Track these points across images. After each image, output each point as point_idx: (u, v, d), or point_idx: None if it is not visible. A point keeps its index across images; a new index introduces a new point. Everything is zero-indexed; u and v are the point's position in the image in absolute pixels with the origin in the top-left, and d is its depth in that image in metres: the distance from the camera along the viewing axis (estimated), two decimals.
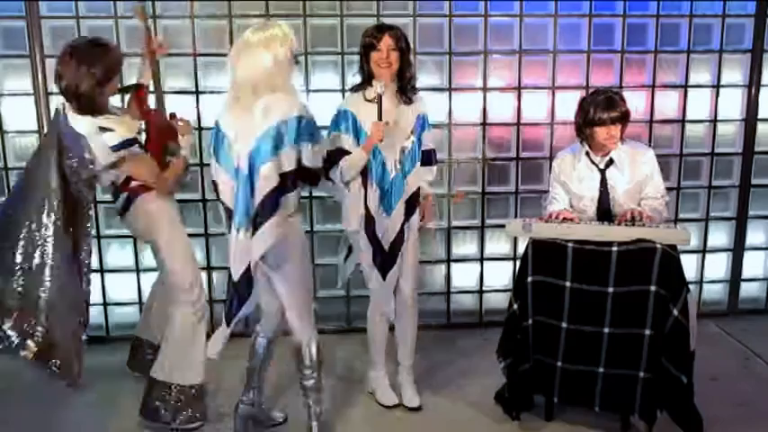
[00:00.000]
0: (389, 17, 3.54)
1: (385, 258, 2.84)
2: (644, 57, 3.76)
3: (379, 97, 2.66)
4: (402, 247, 2.87)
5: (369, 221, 2.81)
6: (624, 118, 2.74)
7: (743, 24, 3.79)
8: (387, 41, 2.72)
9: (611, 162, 2.81)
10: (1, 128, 3.55)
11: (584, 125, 2.78)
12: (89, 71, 2.48)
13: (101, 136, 2.53)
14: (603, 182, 2.82)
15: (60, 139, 2.50)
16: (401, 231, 2.85)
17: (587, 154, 2.84)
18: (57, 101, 3.48)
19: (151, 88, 2.94)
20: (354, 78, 2.88)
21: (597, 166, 2.83)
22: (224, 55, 3.50)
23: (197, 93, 3.57)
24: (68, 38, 3.41)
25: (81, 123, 2.54)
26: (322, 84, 3.63)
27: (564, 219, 2.73)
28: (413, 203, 2.87)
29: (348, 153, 2.75)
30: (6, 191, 3.57)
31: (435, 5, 3.60)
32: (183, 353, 2.76)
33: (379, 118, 2.67)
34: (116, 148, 2.55)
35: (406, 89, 2.82)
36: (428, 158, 2.93)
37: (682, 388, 2.58)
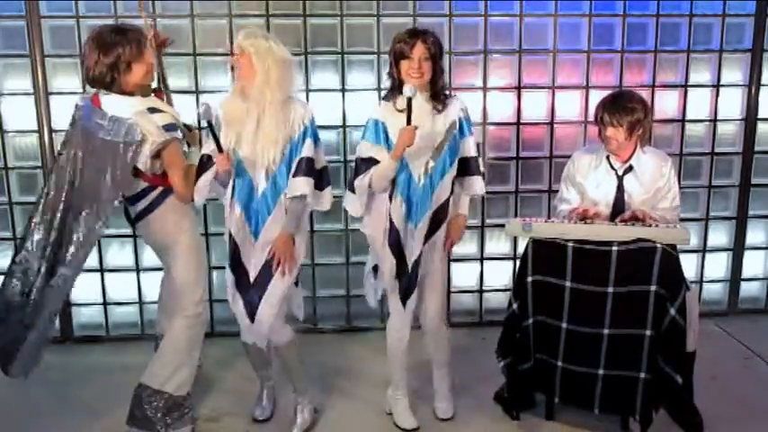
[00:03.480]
0: (389, 17, 3.55)
1: (407, 280, 2.70)
2: (644, 56, 3.76)
3: (409, 101, 2.49)
4: (424, 268, 2.72)
5: (392, 233, 2.67)
6: (627, 126, 2.65)
7: (743, 24, 3.79)
8: (419, 50, 2.54)
9: (629, 169, 2.77)
10: (1, 128, 3.55)
11: (595, 121, 2.76)
12: (104, 58, 2.48)
13: (152, 116, 2.53)
14: (620, 188, 2.78)
15: (87, 137, 2.54)
16: (423, 248, 2.69)
17: (608, 158, 2.79)
18: (57, 101, 3.52)
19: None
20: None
21: (616, 171, 2.79)
22: (224, 55, 3.52)
23: (197, 92, 3.57)
24: (68, 38, 3.46)
25: (124, 105, 2.53)
26: (322, 84, 3.63)
27: (585, 217, 2.70)
28: (439, 219, 2.70)
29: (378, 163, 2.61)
30: (6, 191, 3.58)
31: (435, 5, 3.60)
32: (179, 363, 2.72)
33: (408, 122, 2.50)
34: (167, 128, 2.54)
35: (438, 97, 2.64)
36: (465, 168, 2.71)
37: (677, 388, 2.57)
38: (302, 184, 2.58)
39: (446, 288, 2.87)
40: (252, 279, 2.67)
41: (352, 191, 2.69)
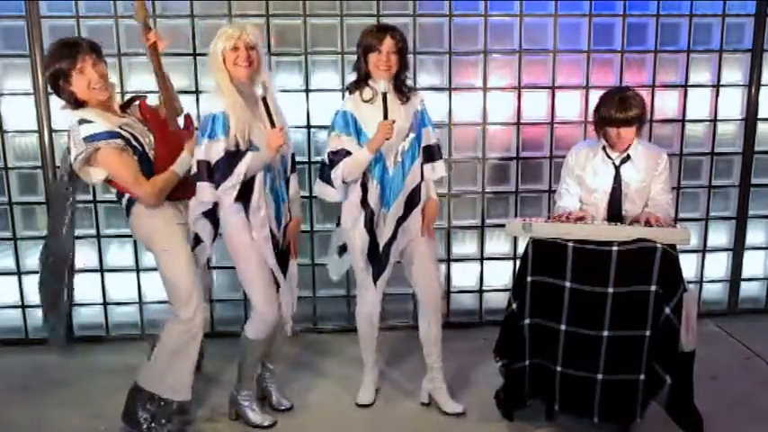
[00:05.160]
0: (389, 17, 3.55)
1: (379, 260, 2.82)
2: (644, 56, 3.76)
3: (384, 96, 2.64)
4: (394, 247, 2.82)
5: (367, 215, 2.79)
6: (636, 121, 2.71)
7: (743, 24, 3.79)
8: (388, 44, 2.68)
9: (627, 158, 2.81)
10: (1, 128, 3.55)
11: (598, 122, 2.78)
12: (45, 69, 2.57)
13: (79, 128, 2.53)
14: (617, 177, 2.81)
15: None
16: (395, 231, 2.81)
17: (604, 149, 2.83)
18: (57, 101, 3.51)
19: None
20: (350, 77, 2.86)
21: (613, 161, 2.82)
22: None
23: (197, 92, 3.57)
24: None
25: (67, 117, 2.61)
26: (322, 83, 3.63)
27: (576, 219, 2.70)
28: (412, 204, 2.83)
29: (350, 154, 2.73)
30: (7, 191, 3.58)
31: (435, 5, 3.60)
32: (171, 367, 2.71)
33: (386, 117, 2.64)
34: (88, 140, 2.50)
35: (401, 88, 2.79)
36: (430, 154, 2.89)
37: (664, 387, 2.57)
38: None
39: (438, 266, 3.01)
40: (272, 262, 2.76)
41: (329, 183, 2.80)
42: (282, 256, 2.79)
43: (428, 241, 2.91)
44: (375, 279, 2.85)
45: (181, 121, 2.80)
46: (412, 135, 2.81)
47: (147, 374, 2.75)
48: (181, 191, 2.68)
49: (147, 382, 2.73)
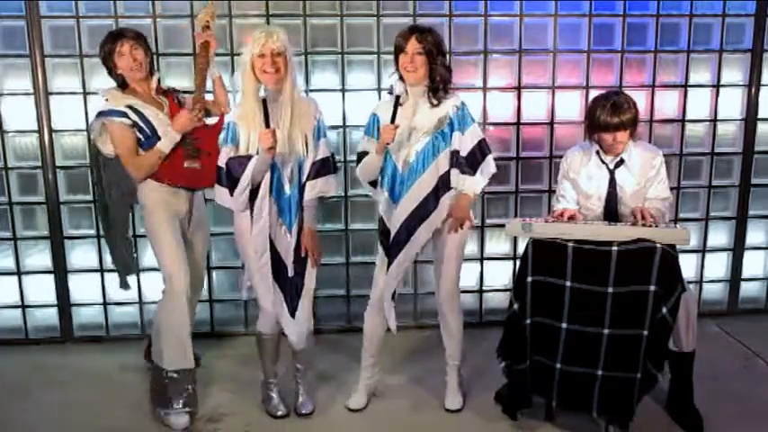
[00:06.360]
0: (389, 17, 3.56)
1: (392, 244, 2.79)
2: (644, 56, 3.76)
3: (397, 99, 2.63)
4: (405, 248, 2.80)
5: (382, 228, 2.83)
6: (630, 124, 2.70)
7: (743, 24, 3.79)
8: (413, 45, 2.65)
9: (621, 162, 2.80)
10: (1, 128, 3.55)
11: (591, 128, 2.77)
12: (99, 51, 2.89)
13: (101, 103, 2.87)
14: (612, 182, 2.81)
15: None
16: (412, 218, 2.76)
17: (597, 153, 2.83)
18: (57, 101, 3.52)
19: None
20: (391, 79, 2.83)
21: (607, 165, 2.82)
22: (224, 55, 3.52)
23: None
24: (68, 38, 3.47)
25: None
26: (322, 84, 3.63)
27: (569, 218, 2.72)
28: (428, 204, 2.76)
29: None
30: (7, 191, 3.58)
31: (435, 5, 3.60)
32: (167, 339, 2.83)
33: (392, 121, 2.63)
34: (97, 114, 2.84)
35: (435, 92, 2.73)
36: (456, 162, 2.75)
37: (668, 388, 2.57)
38: (332, 184, 2.80)
39: (458, 267, 2.91)
40: (291, 272, 2.78)
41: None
42: (300, 264, 2.82)
43: (454, 238, 2.83)
44: (390, 260, 2.81)
45: (213, 121, 2.98)
46: (425, 139, 2.74)
47: (155, 353, 2.89)
48: (186, 181, 2.87)
49: (157, 359, 2.87)
